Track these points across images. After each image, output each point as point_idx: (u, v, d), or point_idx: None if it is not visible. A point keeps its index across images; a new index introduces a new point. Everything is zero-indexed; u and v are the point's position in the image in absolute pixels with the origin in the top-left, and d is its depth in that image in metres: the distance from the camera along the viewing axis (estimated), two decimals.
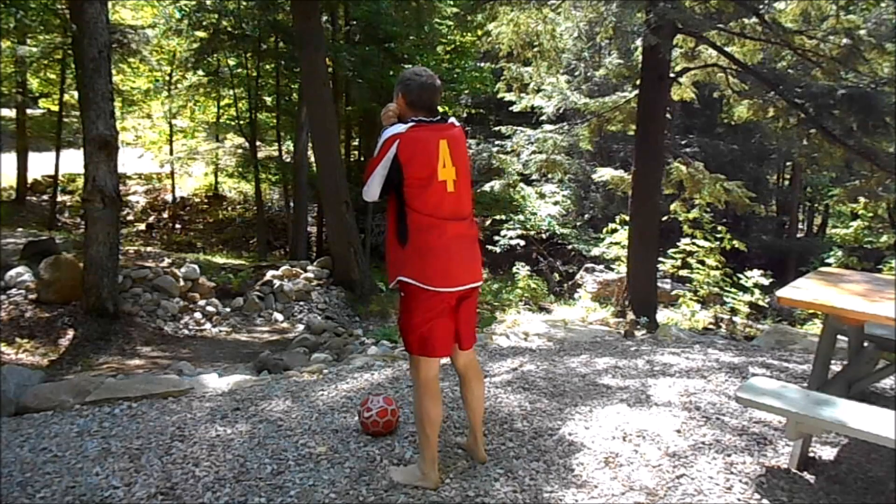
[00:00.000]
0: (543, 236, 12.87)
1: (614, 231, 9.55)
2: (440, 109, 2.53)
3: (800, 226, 18.98)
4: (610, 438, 2.93)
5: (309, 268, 9.51)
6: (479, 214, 15.56)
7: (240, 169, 16.49)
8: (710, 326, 7.37)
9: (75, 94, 13.02)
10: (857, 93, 6.47)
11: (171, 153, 16.53)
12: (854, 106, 6.45)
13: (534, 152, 10.51)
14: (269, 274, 9.11)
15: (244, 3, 12.54)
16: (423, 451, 2.51)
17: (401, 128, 2.35)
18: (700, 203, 8.52)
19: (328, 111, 9.48)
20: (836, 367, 3.41)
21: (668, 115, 7.98)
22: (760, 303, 7.84)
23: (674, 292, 9.25)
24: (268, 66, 14.41)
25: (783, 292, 2.86)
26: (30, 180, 15.07)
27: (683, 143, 13.52)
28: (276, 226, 16.86)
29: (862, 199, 9.39)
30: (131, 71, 14.70)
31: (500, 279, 11.74)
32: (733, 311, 7.69)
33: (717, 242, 8.15)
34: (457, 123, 2.49)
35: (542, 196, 13.17)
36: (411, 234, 2.38)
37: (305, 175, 12.91)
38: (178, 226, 16.62)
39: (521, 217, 12.62)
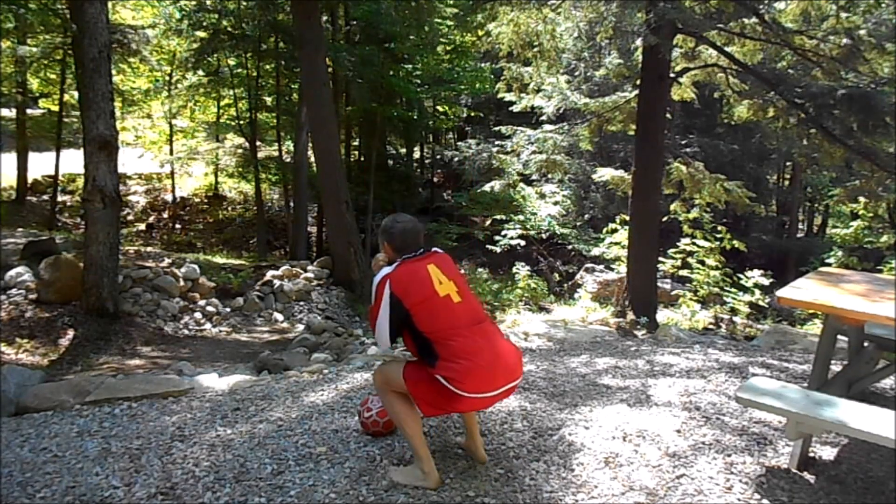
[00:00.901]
0: (543, 236, 12.87)
1: (614, 231, 9.55)
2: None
3: (800, 226, 18.98)
4: (610, 438, 2.93)
5: (309, 268, 9.51)
6: (479, 214, 15.58)
7: (240, 169, 16.50)
8: (710, 326, 7.37)
9: (75, 94, 13.05)
10: (857, 93, 6.47)
11: (171, 153, 16.53)
12: (854, 106, 6.45)
13: (534, 152, 10.50)
14: (269, 274, 9.11)
15: (244, 3, 12.54)
16: (413, 449, 2.52)
17: (388, 269, 2.45)
18: (700, 203, 8.52)
19: (328, 111, 9.48)
20: (836, 367, 3.41)
21: (668, 115, 7.98)
22: (760, 303, 7.84)
23: (674, 292, 9.25)
24: (268, 66, 14.42)
25: (783, 292, 2.86)
26: (30, 180, 15.07)
27: (683, 143, 13.51)
28: (276, 226, 16.86)
29: (862, 199, 9.38)
30: (131, 71, 14.71)
31: (500, 279, 11.74)
32: (733, 311, 7.70)
33: (717, 242, 8.16)
34: (440, 251, 2.57)
35: (542, 196, 13.17)
36: (438, 350, 2.34)
37: (305, 175, 12.91)
38: (178, 226, 16.63)
39: (521, 217, 12.61)
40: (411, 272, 2.43)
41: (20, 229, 10.83)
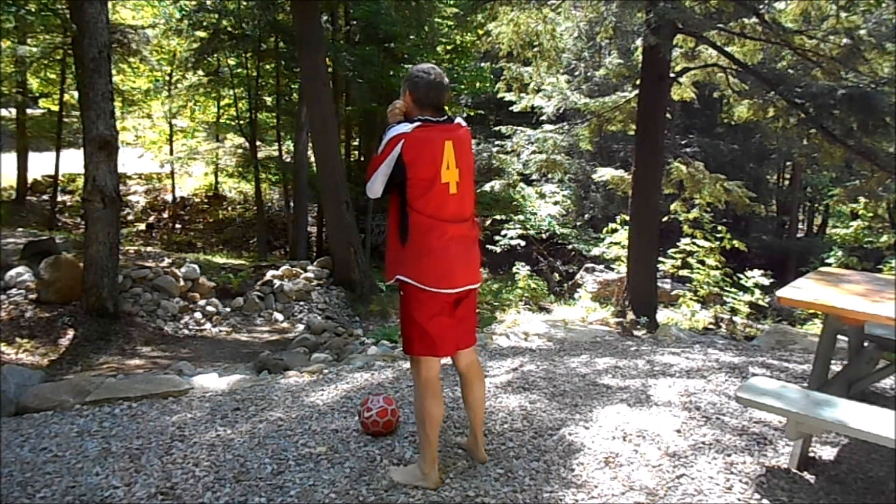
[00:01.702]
0: (543, 236, 12.87)
1: (614, 231, 9.54)
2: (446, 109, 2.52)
3: (800, 226, 18.99)
4: (610, 438, 2.93)
5: (309, 268, 9.51)
6: (479, 214, 15.53)
7: (240, 169, 16.50)
8: (710, 326, 7.37)
9: (75, 94, 13.04)
10: (857, 93, 6.46)
11: (171, 153, 16.53)
12: (854, 106, 6.45)
13: (534, 152, 10.50)
14: (269, 274, 9.11)
15: (244, 3, 12.54)
16: (423, 451, 2.51)
17: (406, 127, 2.34)
18: (700, 203, 8.51)
19: (328, 111, 9.48)
20: (836, 367, 3.41)
21: (668, 115, 7.98)
22: (760, 303, 7.84)
23: (674, 292, 9.25)
24: (268, 66, 14.42)
25: (783, 292, 2.86)
26: (30, 180, 15.07)
27: (683, 143, 13.52)
28: (276, 226, 16.86)
29: (862, 199, 9.38)
30: (131, 71, 14.70)
31: (500, 279, 11.74)
32: (733, 311, 7.69)
33: (717, 242, 8.15)
34: (463, 124, 2.49)
35: (542, 196, 13.16)
36: (412, 233, 2.38)
37: (305, 175, 12.91)
38: (178, 226, 16.63)
39: (521, 217, 12.61)
40: (428, 142, 2.34)
41: (20, 229, 10.83)
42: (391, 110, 2.47)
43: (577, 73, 12.73)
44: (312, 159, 11.91)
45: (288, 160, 14.90)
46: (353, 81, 13.12)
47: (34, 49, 11.27)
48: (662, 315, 7.73)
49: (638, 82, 8.01)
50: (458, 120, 2.48)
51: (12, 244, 8.57)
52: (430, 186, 2.34)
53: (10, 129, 15.28)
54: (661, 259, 8.14)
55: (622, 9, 7.58)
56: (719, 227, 8.34)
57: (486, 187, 12.29)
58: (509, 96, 10.46)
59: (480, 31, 11.22)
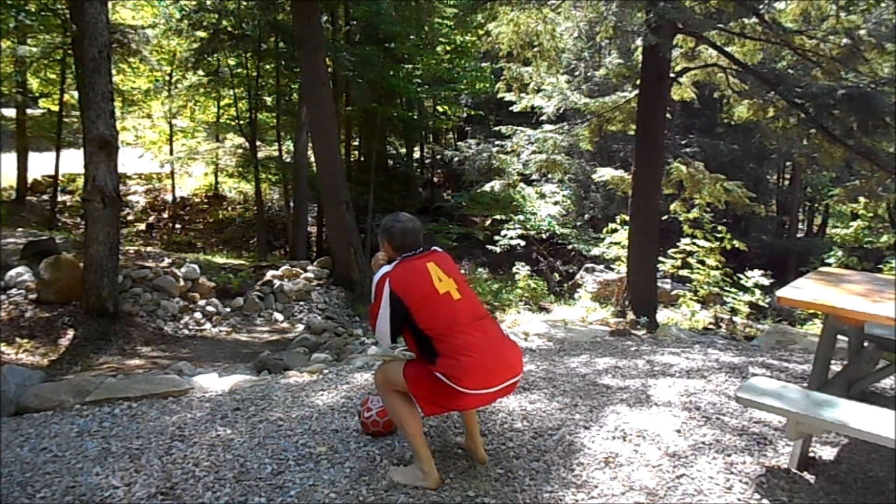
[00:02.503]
0: (543, 236, 12.87)
1: (614, 231, 9.55)
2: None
3: (800, 226, 18.97)
4: (610, 438, 2.93)
5: (309, 268, 9.51)
6: (479, 214, 15.59)
7: (240, 169, 16.50)
8: (710, 326, 7.37)
9: (75, 94, 13.04)
10: (857, 93, 6.47)
11: (171, 153, 16.53)
12: (854, 106, 6.45)
13: (534, 152, 10.51)
14: (269, 274, 9.11)
15: (244, 3, 12.54)
16: (413, 449, 2.52)
17: (388, 267, 2.46)
18: (700, 203, 8.51)
19: (328, 111, 9.48)
20: (836, 367, 3.41)
21: (668, 115, 7.98)
22: (760, 303, 7.84)
23: (674, 292, 9.25)
24: (268, 66, 14.42)
25: (783, 292, 2.86)
26: (30, 180, 15.07)
27: (683, 143, 13.52)
28: (276, 226, 16.86)
29: (862, 199, 9.38)
30: (131, 71, 14.71)
31: (500, 279, 11.74)
32: (733, 311, 7.69)
33: (717, 242, 8.15)
34: (439, 249, 2.57)
35: (542, 196, 13.17)
36: (439, 349, 2.34)
37: (305, 175, 12.91)
38: (178, 226, 16.63)
39: (521, 217, 12.62)
40: (411, 270, 2.44)
41: (20, 229, 10.82)
42: (375, 262, 2.59)
43: (577, 73, 12.72)
44: (312, 159, 11.91)
45: (288, 160, 14.91)
46: (353, 81, 13.13)
47: (34, 49, 11.26)
48: (662, 315, 7.74)
49: (638, 82, 8.02)
50: (435, 248, 2.58)
51: (12, 244, 8.57)
52: (433, 302, 2.38)
53: (10, 129, 15.29)
54: (661, 259, 8.14)
55: (622, 9, 7.58)
56: (719, 227, 8.34)
57: (486, 187, 12.29)
58: (509, 96, 10.46)
59: (480, 31, 11.22)
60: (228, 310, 8.21)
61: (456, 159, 12.83)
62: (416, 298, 2.38)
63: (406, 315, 2.37)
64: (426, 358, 2.37)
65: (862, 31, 6.92)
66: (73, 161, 14.70)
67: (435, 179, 20.08)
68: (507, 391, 2.44)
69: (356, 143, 17.35)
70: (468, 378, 2.29)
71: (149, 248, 11.43)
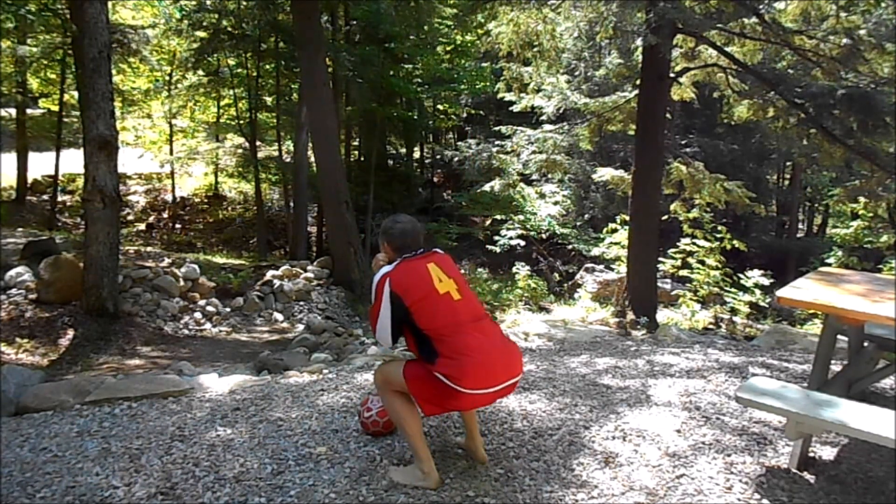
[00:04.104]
0: (543, 236, 12.87)
1: (614, 231, 9.54)
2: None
3: (800, 226, 18.97)
4: (610, 438, 2.93)
5: (309, 268, 9.51)
6: (479, 214, 15.59)
7: (240, 169, 16.50)
8: (710, 326, 7.37)
9: (75, 94, 13.05)
10: (857, 93, 6.47)
11: (171, 153, 16.53)
12: (854, 106, 6.45)
13: (534, 152, 10.50)
14: (269, 274, 9.11)
15: (244, 3, 12.54)
16: (413, 450, 2.52)
17: (388, 268, 2.47)
18: (700, 203, 8.51)
19: (328, 111, 9.48)
20: (836, 367, 3.41)
21: (668, 115, 7.98)
22: (760, 303, 7.83)
23: (674, 292, 9.24)
24: (268, 66, 14.42)
25: (783, 292, 2.86)
26: (30, 180, 15.07)
27: (683, 143, 13.51)
28: (276, 226, 16.86)
29: (862, 199, 9.38)
30: (131, 71, 14.72)
31: (500, 279, 11.74)
32: (733, 311, 7.69)
33: (717, 242, 8.15)
34: (439, 251, 2.58)
35: (542, 196, 13.17)
36: (438, 347, 2.34)
37: (305, 175, 12.92)
38: (178, 226, 16.63)
39: (521, 217, 12.61)
40: (411, 270, 2.44)
41: (20, 229, 10.83)
42: (375, 263, 2.60)
43: (577, 73, 12.73)
44: (312, 159, 11.91)
45: (288, 160, 14.90)
46: (353, 81, 13.12)
47: (34, 49, 11.27)
48: (662, 315, 7.73)
49: (638, 82, 8.01)
50: (435, 249, 2.59)
51: (12, 244, 8.57)
52: (433, 302, 2.38)
53: (10, 129, 15.29)
54: (661, 259, 8.14)
55: (622, 9, 7.58)
56: (719, 227, 8.34)
57: (486, 187, 12.29)
58: (509, 96, 10.46)
59: (480, 31, 11.22)
60: (228, 310, 8.21)
61: (456, 159, 12.83)
62: (416, 299, 2.38)
63: (406, 315, 2.38)
64: (426, 358, 2.37)
65: (862, 31, 6.92)
66: (73, 161, 14.70)
67: (435, 179, 20.08)
68: (507, 391, 2.44)
69: (356, 143, 17.35)
70: (468, 378, 2.29)
71: (149, 248, 11.43)
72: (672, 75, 7.55)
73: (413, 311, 2.37)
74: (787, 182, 18.41)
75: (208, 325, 7.72)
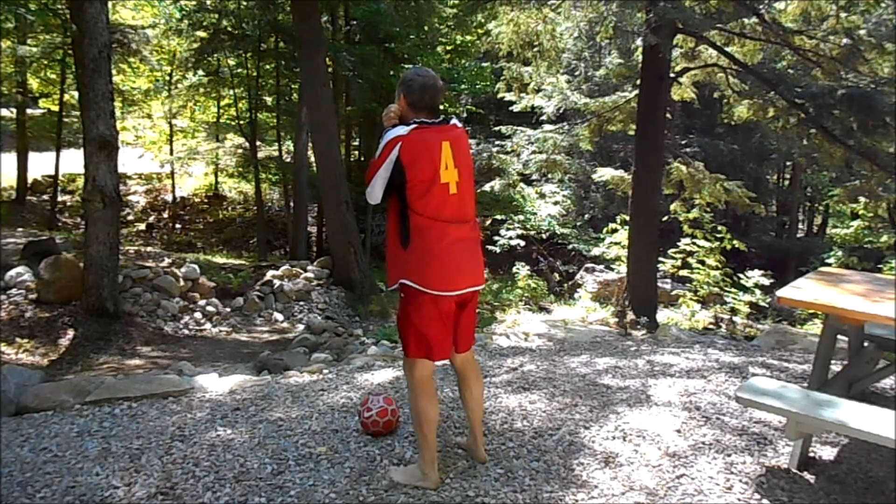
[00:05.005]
0: (543, 236, 12.87)
1: (614, 231, 9.54)
2: (442, 109, 2.52)
3: (800, 226, 18.97)
4: (610, 438, 2.93)
5: (309, 268, 9.51)
6: (479, 214, 15.54)
7: (240, 169, 16.49)
8: (710, 326, 7.37)
9: (75, 94, 13.03)
10: (857, 93, 6.46)
11: (171, 153, 16.52)
12: (854, 106, 6.45)
13: (534, 152, 10.51)
14: (269, 274, 9.11)
15: (244, 3, 12.54)
16: (421, 451, 2.51)
17: (403, 130, 2.34)
18: (700, 203, 8.51)
19: (328, 111, 9.48)
20: (836, 367, 3.41)
21: (668, 115, 7.98)
22: (760, 303, 7.83)
23: (674, 292, 9.25)
24: (268, 66, 14.41)
25: (783, 292, 2.86)
26: (30, 180, 15.06)
27: (683, 143, 13.51)
28: (276, 226, 16.86)
29: (862, 199, 9.38)
30: (131, 71, 14.70)
31: (500, 279, 11.74)
32: (733, 311, 7.69)
33: (717, 242, 8.15)
34: (459, 124, 2.48)
35: (542, 196, 13.16)
36: (413, 236, 2.37)
37: (305, 175, 12.91)
38: (178, 226, 16.62)
39: (521, 217, 12.61)
40: (425, 143, 2.34)
41: (20, 229, 10.82)
42: (386, 114, 2.46)
43: (577, 73, 12.73)
44: (312, 159, 11.91)
45: (288, 160, 14.89)
46: (353, 81, 13.12)
47: (34, 49, 11.26)
48: (662, 315, 7.73)
49: (638, 82, 8.01)
50: (454, 121, 2.48)
51: (12, 244, 8.57)
52: (429, 187, 2.34)
53: (10, 129, 15.28)
54: (661, 259, 8.14)
55: (622, 9, 7.59)
56: (719, 227, 8.34)
57: (486, 187, 12.29)
58: (509, 96, 10.46)
59: (480, 31, 11.21)
60: (228, 310, 8.20)
61: None
62: (418, 176, 2.33)
63: (402, 185, 2.35)
64: (399, 237, 2.40)
65: (862, 31, 6.92)
66: (73, 161, 14.70)
67: None
68: (471, 298, 2.50)
69: (356, 143, 17.33)
70: (433, 282, 2.35)
71: (149, 248, 11.43)
72: (672, 75, 7.55)
73: (410, 186, 2.34)
74: (787, 182, 18.41)
75: (208, 325, 7.72)
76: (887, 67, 7.07)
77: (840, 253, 10.17)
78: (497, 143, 11.64)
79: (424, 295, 2.38)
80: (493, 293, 9.88)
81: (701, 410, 3.28)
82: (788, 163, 16.85)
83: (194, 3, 13.11)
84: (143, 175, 18.04)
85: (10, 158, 14.43)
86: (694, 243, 8.20)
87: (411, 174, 2.32)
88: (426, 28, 14.04)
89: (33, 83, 14.52)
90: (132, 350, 6.33)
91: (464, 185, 2.42)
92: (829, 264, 9.80)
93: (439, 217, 2.36)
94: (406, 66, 14.00)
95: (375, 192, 2.43)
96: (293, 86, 14.76)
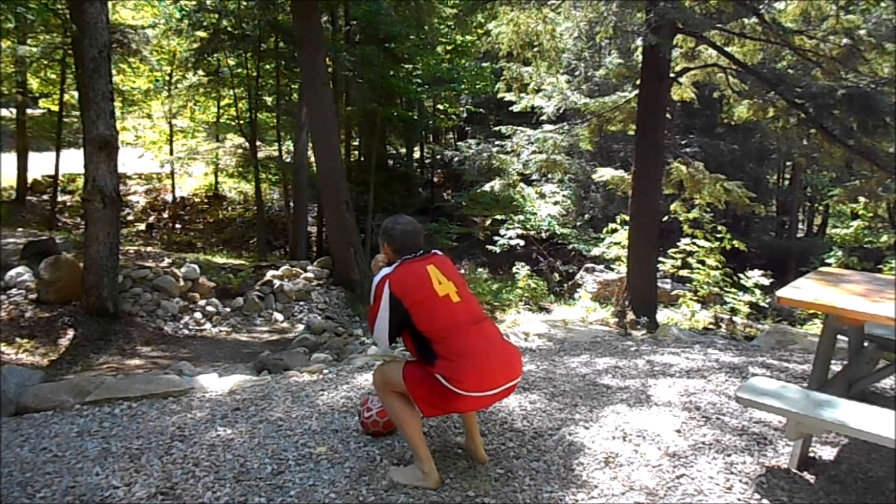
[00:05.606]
0: (543, 236, 12.87)
1: (614, 231, 9.54)
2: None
3: (800, 226, 18.97)
4: (610, 438, 2.93)
5: (309, 268, 9.51)
6: (479, 214, 15.59)
7: (240, 169, 16.49)
8: (710, 326, 7.37)
9: (75, 94, 13.03)
10: (857, 93, 6.47)
11: (171, 153, 16.53)
12: (854, 106, 6.45)
13: (534, 152, 10.50)
14: (269, 274, 9.11)
15: (244, 3, 12.54)
16: (413, 451, 2.52)
17: (388, 270, 2.47)
18: (700, 203, 8.51)
19: (328, 111, 9.48)
20: (836, 367, 3.41)
21: (668, 115, 7.98)
22: (760, 303, 7.83)
23: (674, 292, 9.25)
24: (268, 66, 14.42)
25: (783, 292, 2.86)
26: (30, 180, 15.07)
27: (683, 143, 13.50)
28: (276, 226, 16.86)
29: (862, 199, 9.38)
30: (131, 71, 14.70)
31: (500, 279, 11.74)
32: (733, 311, 7.69)
33: (717, 242, 8.15)
34: (439, 253, 2.58)
35: (542, 196, 13.17)
36: (437, 349, 2.34)
37: (305, 175, 12.92)
38: (178, 226, 16.63)
39: (521, 217, 12.61)
40: (410, 272, 2.44)
41: (20, 229, 10.82)
42: (374, 263, 2.60)
43: (577, 73, 12.72)
44: (312, 159, 11.91)
45: (288, 160, 14.89)
46: (353, 81, 13.13)
47: (34, 49, 11.25)
48: (662, 315, 7.73)
49: (638, 82, 8.01)
50: (434, 251, 2.59)
51: (12, 244, 8.57)
52: (431, 304, 2.38)
53: (10, 129, 15.28)
54: (661, 259, 8.14)
55: (622, 9, 7.58)
56: (719, 227, 8.34)
57: (486, 187, 12.29)
58: (509, 96, 10.46)
59: (480, 31, 11.21)
60: (228, 310, 8.21)
61: (456, 159, 12.82)
62: (415, 300, 2.38)
63: (405, 317, 2.37)
64: (425, 360, 2.37)
65: (862, 31, 6.92)
66: (73, 161, 14.70)
67: (435, 179, 20.07)
68: (506, 394, 2.44)
69: (356, 143, 17.34)
70: (467, 380, 2.29)
71: (149, 248, 11.43)
72: (672, 75, 7.55)
73: (412, 314, 2.37)
74: (787, 182, 18.41)
75: (208, 325, 7.72)
76: (887, 67, 7.07)
77: (840, 253, 10.16)
78: (497, 143, 11.64)
79: (453, 392, 2.30)
80: (493, 293, 9.88)
81: (701, 410, 3.28)
82: (788, 163, 16.85)
83: (194, 3, 13.10)
84: (143, 175, 18.04)
85: (10, 158, 14.44)
86: (694, 243, 8.20)
87: (409, 301, 2.37)
88: (426, 28, 14.05)
89: (33, 83, 14.52)
90: (132, 350, 6.33)
91: (463, 293, 2.47)
92: (829, 264, 9.79)
93: (455, 323, 2.38)
94: (406, 66, 14.02)
95: (382, 336, 2.42)
96: (293, 86, 14.76)
